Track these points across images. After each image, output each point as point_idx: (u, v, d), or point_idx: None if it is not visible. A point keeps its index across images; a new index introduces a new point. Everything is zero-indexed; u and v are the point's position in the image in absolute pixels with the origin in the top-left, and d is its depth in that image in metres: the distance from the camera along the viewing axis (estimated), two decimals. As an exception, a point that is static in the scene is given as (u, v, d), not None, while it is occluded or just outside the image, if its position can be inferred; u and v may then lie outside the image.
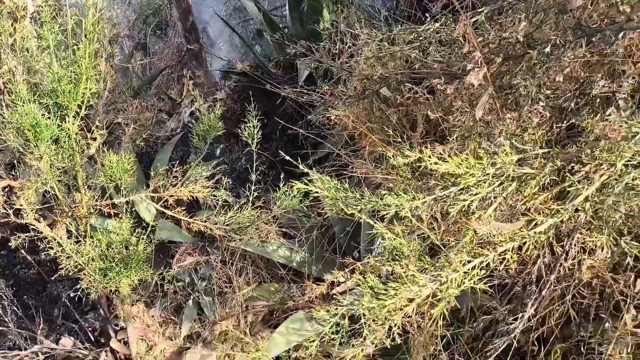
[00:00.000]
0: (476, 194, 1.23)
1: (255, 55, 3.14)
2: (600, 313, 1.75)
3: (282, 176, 1.98)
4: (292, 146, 2.80)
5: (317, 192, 1.30)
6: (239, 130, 1.90)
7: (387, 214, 1.29)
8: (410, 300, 1.07)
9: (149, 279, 2.29)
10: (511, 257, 1.13)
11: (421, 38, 1.65)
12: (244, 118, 2.65)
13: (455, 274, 1.09)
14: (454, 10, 1.81)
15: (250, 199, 1.98)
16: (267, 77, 2.92)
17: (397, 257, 1.18)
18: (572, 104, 1.75)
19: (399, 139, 2.40)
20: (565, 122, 1.79)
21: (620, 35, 1.60)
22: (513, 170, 1.22)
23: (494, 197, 1.28)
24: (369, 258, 2.24)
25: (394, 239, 1.15)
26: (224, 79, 3.27)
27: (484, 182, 1.22)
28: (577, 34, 1.58)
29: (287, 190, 1.94)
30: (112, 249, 2.19)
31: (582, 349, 1.75)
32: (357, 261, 2.45)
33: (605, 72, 1.76)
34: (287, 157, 1.87)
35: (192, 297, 2.58)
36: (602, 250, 1.40)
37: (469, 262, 1.12)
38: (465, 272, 1.11)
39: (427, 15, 1.71)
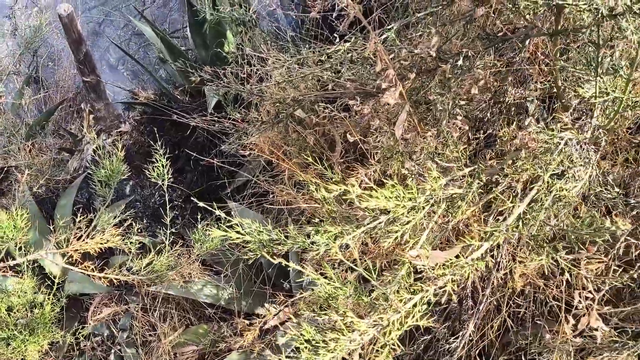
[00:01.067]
0: (407, 223, 1.17)
1: (159, 82, 2.97)
2: (535, 320, 1.74)
3: (199, 216, 1.84)
4: (208, 176, 2.65)
5: (238, 239, 1.19)
6: (147, 168, 1.75)
7: (315, 253, 1.19)
8: (352, 351, 0.98)
9: (60, 340, 2.07)
10: (451, 288, 1.07)
11: (332, 59, 1.58)
12: (152, 151, 2.47)
13: (396, 315, 1.01)
14: (362, 28, 1.76)
15: (167, 242, 1.82)
16: (174, 106, 2.75)
17: (331, 301, 1.09)
18: (488, 114, 1.75)
19: (318, 161, 2.33)
20: (482, 132, 1.78)
21: (527, 41, 1.60)
22: (442, 193, 1.17)
23: (426, 223, 1.22)
24: (300, 292, 2.14)
25: (327, 284, 1.06)
26: (128, 110, 3.07)
27: (414, 210, 1.15)
28: (486, 43, 1.57)
29: (205, 230, 1.80)
30: (15, 313, 1.96)
31: (523, 358, 1.74)
32: (288, 294, 2.35)
33: (515, 79, 1.77)
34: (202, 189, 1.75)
35: (113, 351, 2.37)
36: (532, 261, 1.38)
37: (409, 299, 1.05)
38: (407, 311, 1.03)
39: (334, 35, 1.64)
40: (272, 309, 2.42)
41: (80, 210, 2.51)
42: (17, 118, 3.37)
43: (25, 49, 2.95)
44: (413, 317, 1.04)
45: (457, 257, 1.16)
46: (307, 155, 2.32)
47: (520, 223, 1.14)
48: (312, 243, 1.20)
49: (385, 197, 1.03)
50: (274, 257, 1.06)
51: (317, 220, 1.35)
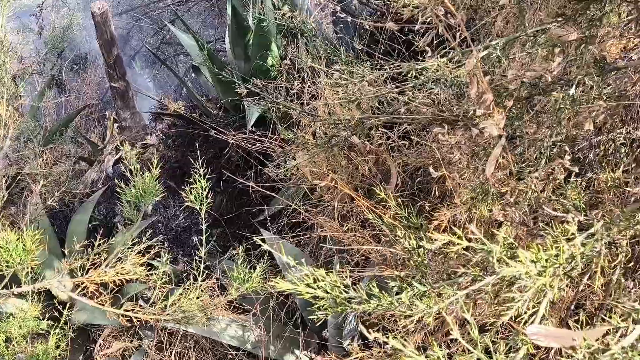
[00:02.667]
0: (527, 289, 0.89)
1: (192, 94, 2.73)
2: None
3: (238, 250, 1.57)
4: (240, 200, 2.39)
5: (306, 294, 0.92)
6: (183, 193, 1.50)
7: (407, 321, 0.92)
8: None
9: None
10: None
11: (420, 76, 1.32)
12: (181, 167, 2.22)
13: None
14: (443, 44, 1.51)
15: (200, 278, 1.55)
16: (207, 120, 2.51)
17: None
18: (591, 155, 1.48)
19: (368, 192, 2.06)
20: (582, 175, 1.51)
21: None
22: (580, 254, 0.90)
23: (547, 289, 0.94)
24: (347, 344, 1.85)
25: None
26: (155, 121, 2.83)
27: (541, 270, 0.88)
28: (601, 70, 1.31)
29: (245, 267, 1.53)
30: (14, 345, 1.69)
31: None
32: (323, 342, 2.06)
33: (625, 117, 1.51)
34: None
35: (119, 391, 2.08)
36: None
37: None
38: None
39: (417, 49, 1.39)
40: (304, 357, 2.13)
41: (97, 228, 2.26)
42: (35, 122, 3.15)
43: (52, 48, 2.73)
44: None
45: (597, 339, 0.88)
46: (357, 185, 2.06)
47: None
48: (405, 308, 0.93)
49: (532, 260, 0.76)
50: (369, 331, 0.79)
51: (395, 273, 1.07)
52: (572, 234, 0.89)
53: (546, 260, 0.77)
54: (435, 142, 1.52)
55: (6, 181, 1.97)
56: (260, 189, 2.23)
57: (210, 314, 1.85)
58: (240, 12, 2.52)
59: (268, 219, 2.32)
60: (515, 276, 0.90)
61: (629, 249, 1.10)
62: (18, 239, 1.31)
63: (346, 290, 0.95)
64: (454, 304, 0.96)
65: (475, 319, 1.24)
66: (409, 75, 1.35)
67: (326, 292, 0.97)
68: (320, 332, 2.02)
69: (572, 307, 1.07)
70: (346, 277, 0.99)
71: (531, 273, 0.76)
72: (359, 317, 1.82)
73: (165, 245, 2.37)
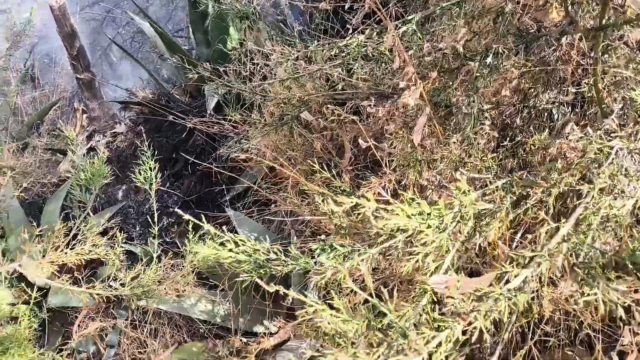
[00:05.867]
0: (430, 243, 0.98)
1: (157, 81, 2.80)
2: (566, 350, 1.56)
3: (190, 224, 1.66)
4: (207, 182, 2.48)
5: (230, 258, 1.01)
6: (133, 175, 1.58)
7: (321, 277, 1.01)
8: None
9: (40, 358, 1.89)
10: (484, 327, 0.88)
11: (343, 54, 1.40)
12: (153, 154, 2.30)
13: (418, 358, 0.83)
14: (378, 21, 1.59)
15: (155, 253, 1.64)
16: (173, 106, 2.58)
17: (338, 339, 0.91)
18: (517, 120, 1.56)
19: (325, 168, 2.14)
20: (509, 140, 1.60)
21: (564, 38, 1.42)
22: (472, 209, 0.99)
23: (450, 244, 1.03)
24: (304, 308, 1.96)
25: (336, 319, 0.87)
26: (125, 109, 2.90)
27: (438, 228, 0.97)
28: (517, 40, 1.39)
29: (198, 241, 1.62)
30: (-11, 328, 1.78)
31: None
32: (290, 310, 2.17)
33: (548, 81, 1.59)
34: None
35: (98, 368, 2.19)
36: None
37: (432, 337, 0.87)
38: (429, 354, 0.85)
39: (347, 27, 1.47)
40: (272, 327, 2.24)
41: (71, 216, 2.34)
42: (10, 116, 3.21)
43: (13, 43, 2.79)
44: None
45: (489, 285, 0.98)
46: (313, 162, 2.15)
47: (564, 246, 0.96)
48: (318, 264, 1.02)
49: (407, 215, 0.85)
50: (270, 284, 0.88)
51: (322, 236, 1.17)
52: (468, 190, 0.98)
53: (428, 214, 0.86)
54: (368, 115, 1.60)
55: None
56: (225, 170, 2.32)
57: (177, 289, 1.95)
58: (199, -2, 2.58)
59: (234, 198, 2.41)
60: (419, 234, 0.99)
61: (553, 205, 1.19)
62: None
63: (267, 254, 1.04)
64: (366, 261, 1.05)
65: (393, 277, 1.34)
66: (336, 51, 1.43)
67: (249, 255, 1.06)
68: (285, 301, 2.12)
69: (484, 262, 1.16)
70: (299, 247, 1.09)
71: (408, 226, 0.85)
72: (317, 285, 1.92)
73: (137, 228, 2.46)
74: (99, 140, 2.68)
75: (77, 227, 1.51)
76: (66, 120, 3.64)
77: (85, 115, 2.74)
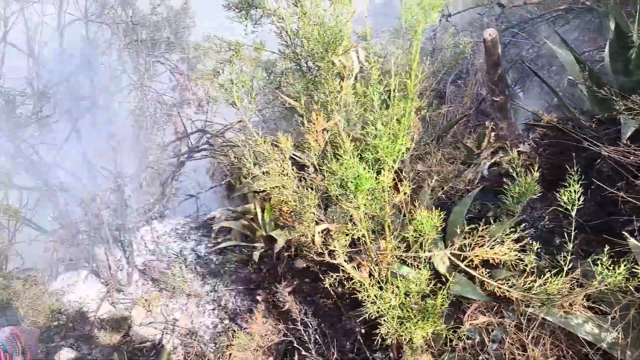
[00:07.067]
0: None
1: (566, 107, 2.92)
2: None
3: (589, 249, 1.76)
4: (608, 210, 2.50)
5: None
6: (556, 193, 1.76)
7: None
8: None
9: (441, 333, 2.27)
10: None
11: None
12: (550, 175, 2.47)
13: None
14: None
15: (565, 268, 1.80)
16: (579, 132, 2.68)
17: None
18: None
19: None
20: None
21: None
22: None
23: None
24: None
25: None
26: (528, 130, 3.13)
27: None
28: None
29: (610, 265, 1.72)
30: (410, 298, 2.24)
31: None
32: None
33: None
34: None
35: (480, 357, 2.47)
36: None
37: None
38: None
39: None
40: (664, 370, 2.13)
41: (473, 220, 2.70)
42: (423, 127, 3.81)
43: (450, 68, 3.30)
44: None
45: None
46: None
47: None
48: None
49: None
50: None
51: None
52: None
53: None
54: None
55: (410, 177, 2.56)
56: (633, 200, 2.30)
57: (563, 305, 2.07)
58: (624, 27, 2.60)
59: (636, 230, 2.37)
60: None
61: None
62: (429, 216, 1.80)
63: None
64: None
65: None
66: None
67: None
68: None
69: None
70: None
71: None
72: None
73: (530, 241, 2.65)
74: (501, 156, 2.97)
75: (484, 229, 1.79)
76: (465, 135, 4.09)
77: (493, 133, 3.07)
